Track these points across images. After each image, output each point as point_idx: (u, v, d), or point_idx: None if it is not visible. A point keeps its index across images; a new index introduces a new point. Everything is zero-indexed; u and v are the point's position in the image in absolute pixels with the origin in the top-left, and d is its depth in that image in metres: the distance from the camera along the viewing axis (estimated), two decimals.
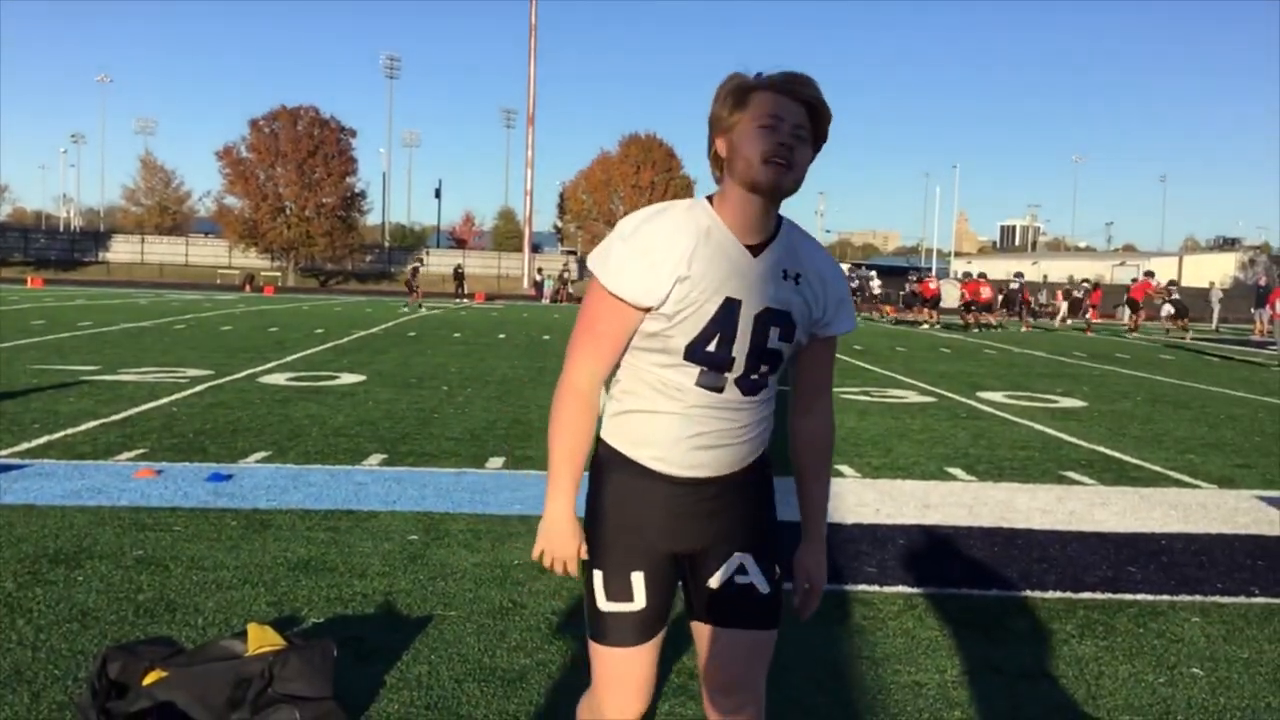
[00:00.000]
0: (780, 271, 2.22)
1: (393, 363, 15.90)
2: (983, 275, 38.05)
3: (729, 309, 2.17)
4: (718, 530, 2.32)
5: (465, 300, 31.25)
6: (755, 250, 2.21)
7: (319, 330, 22.96)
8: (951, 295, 41.94)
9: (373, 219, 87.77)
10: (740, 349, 2.20)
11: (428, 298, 45.48)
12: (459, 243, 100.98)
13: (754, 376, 2.25)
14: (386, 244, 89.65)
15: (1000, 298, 38.24)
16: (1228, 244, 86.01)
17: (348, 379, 13.50)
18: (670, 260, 2.14)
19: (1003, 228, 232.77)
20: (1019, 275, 40.04)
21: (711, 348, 2.19)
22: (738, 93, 2.17)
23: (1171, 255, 79.74)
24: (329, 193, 68.96)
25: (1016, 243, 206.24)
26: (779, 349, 2.25)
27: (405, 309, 35.94)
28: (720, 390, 2.22)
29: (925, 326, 34.96)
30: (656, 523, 2.28)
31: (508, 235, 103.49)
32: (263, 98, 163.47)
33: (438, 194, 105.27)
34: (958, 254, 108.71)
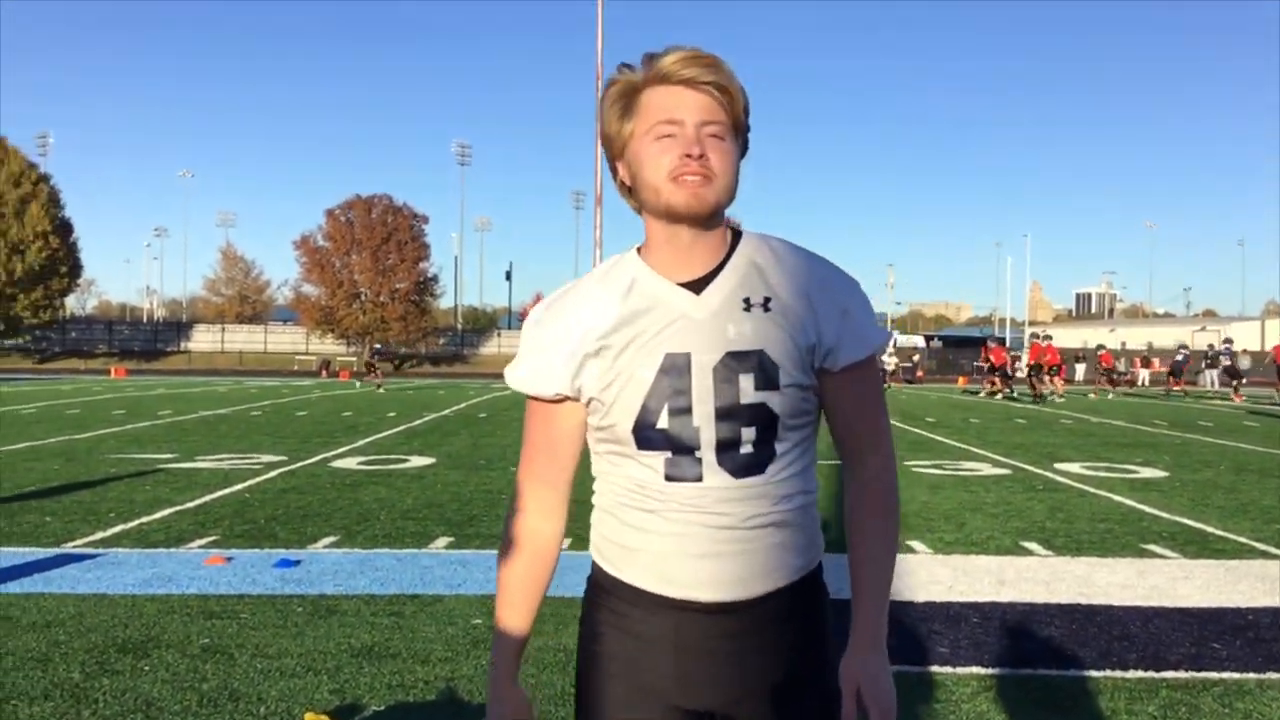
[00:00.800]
0: (738, 301, 1.73)
1: (462, 445, 16.01)
2: (1049, 337, 37.44)
3: (673, 368, 1.69)
4: (746, 681, 1.77)
5: None
6: (697, 286, 1.74)
7: (391, 414, 23.20)
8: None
9: (445, 302, 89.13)
10: (703, 415, 1.69)
11: (500, 380, 45.76)
12: None
13: (743, 450, 1.71)
14: (459, 327, 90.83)
15: (1079, 364, 37.57)
16: None
17: (417, 462, 13.60)
18: (572, 337, 1.74)
19: (1078, 295, 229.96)
20: (1100, 347, 39.41)
21: (662, 423, 1.70)
22: (621, 96, 1.74)
23: (1253, 319, 78.06)
24: (402, 278, 70.13)
25: (1093, 310, 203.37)
26: (762, 402, 1.70)
27: (359, 385, 36.75)
28: (698, 479, 1.71)
29: (997, 396, 34.39)
30: (659, 665, 1.77)
31: None
32: (339, 187, 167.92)
33: (508, 276, 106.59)
34: (1032, 323, 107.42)
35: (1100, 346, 39.83)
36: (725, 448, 1.71)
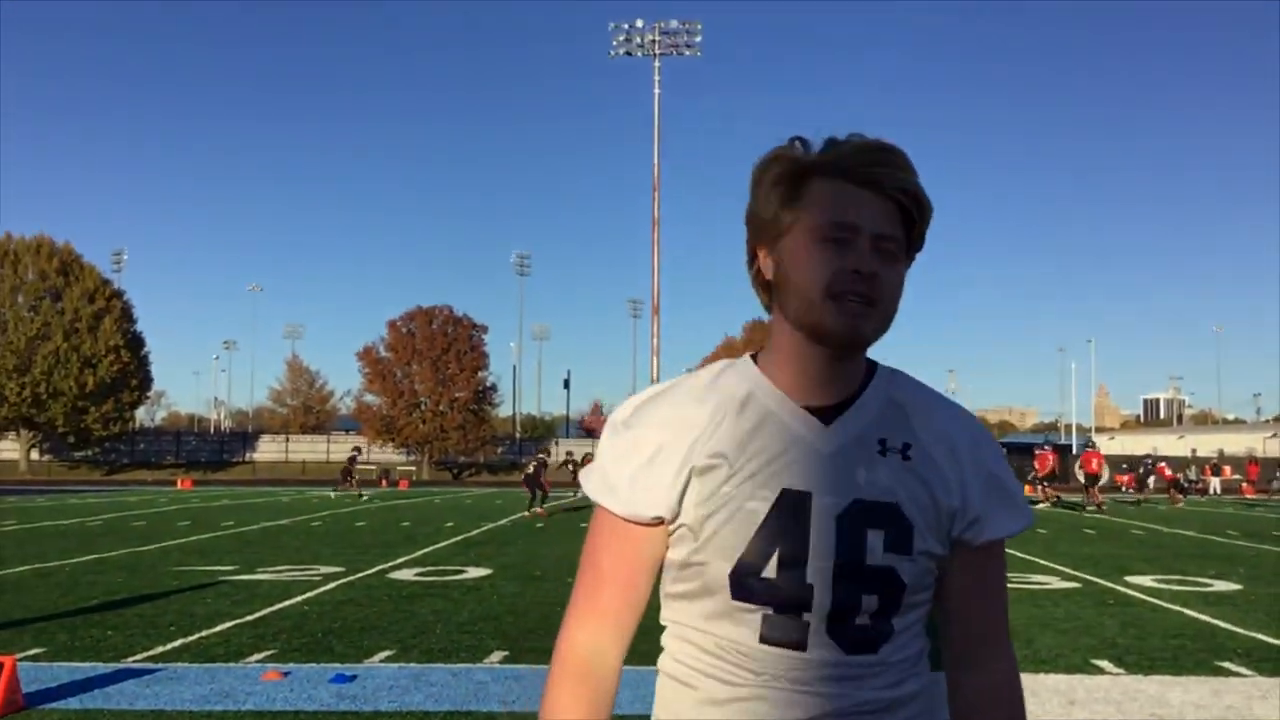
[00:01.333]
0: (872, 442, 1.46)
1: (519, 555, 15.95)
2: (1093, 445, 36.57)
3: (790, 507, 1.40)
4: None
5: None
6: (827, 415, 1.47)
7: (449, 524, 23.22)
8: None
9: (503, 411, 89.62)
10: (818, 572, 1.40)
11: (559, 487, 45.81)
12: (588, 432, 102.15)
13: (859, 620, 1.42)
14: (517, 435, 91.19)
15: (1134, 474, 36.72)
16: None
17: (474, 573, 13.56)
18: (679, 447, 1.45)
19: (1145, 401, 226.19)
20: (1148, 459, 38.57)
21: (770, 572, 1.39)
22: (786, 180, 1.46)
23: None
24: (461, 387, 70.75)
25: (1161, 416, 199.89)
26: (890, 566, 1.42)
27: (334, 493, 36.61)
28: (802, 648, 1.41)
29: (1042, 505, 33.47)
30: None
31: None
32: (402, 299, 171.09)
33: (566, 384, 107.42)
34: (1099, 429, 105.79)
35: (1149, 458, 38.89)
36: (840, 615, 1.41)
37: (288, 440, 79.30)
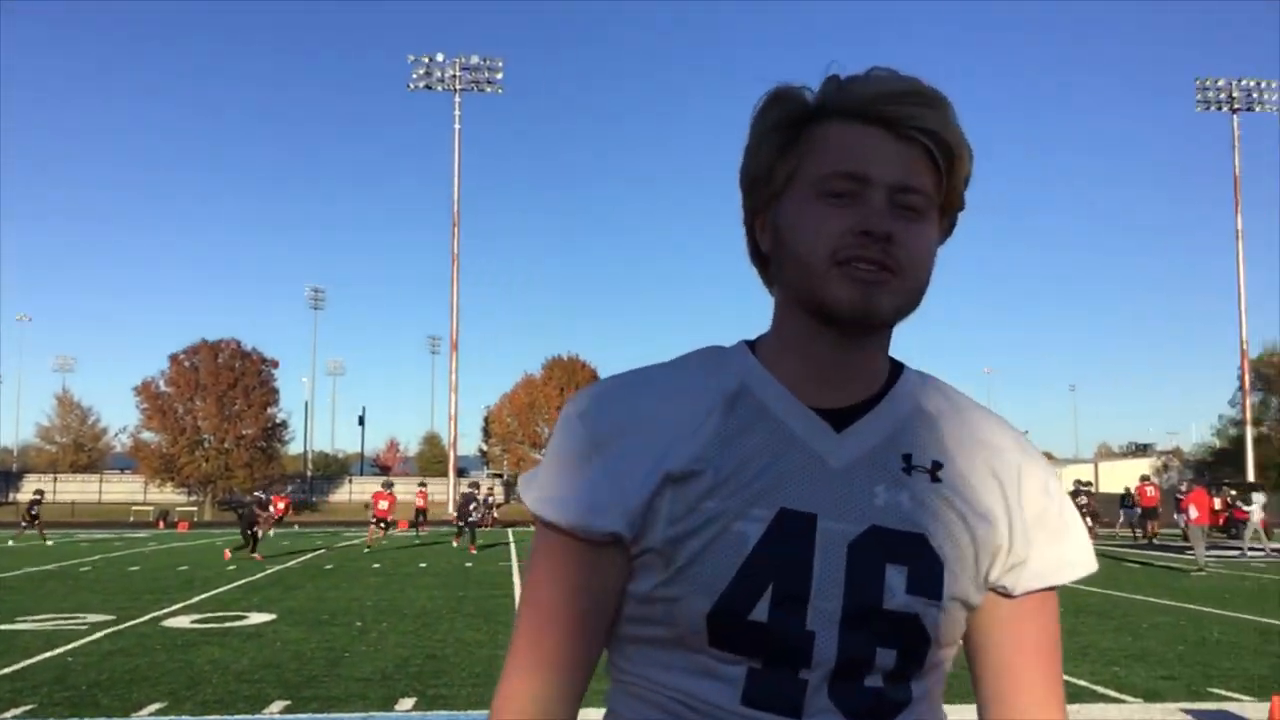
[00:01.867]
0: (894, 456, 1.19)
1: (306, 598, 15.39)
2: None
3: (790, 531, 1.12)
4: None
5: (383, 534, 30.42)
6: (840, 419, 1.19)
7: (231, 567, 22.26)
8: None
9: (295, 448, 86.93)
10: (824, 615, 1.11)
11: (351, 528, 44.60)
12: (383, 469, 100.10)
13: (869, 680, 1.13)
14: (309, 473, 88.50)
15: None
16: (1140, 450, 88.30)
17: (257, 618, 13.01)
18: (650, 446, 1.15)
19: None
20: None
21: (760, 614, 1.11)
22: (785, 124, 1.20)
23: (1087, 462, 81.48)
24: (249, 424, 68.26)
25: None
26: (914, 613, 1.13)
27: (13, 542, 33.47)
28: (797, 714, 1.11)
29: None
30: None
31: (433, 460, 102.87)
32: (185, 331, 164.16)
33: (361, 421, 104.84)
34: None
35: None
36: (847, 672, 1.12)
37: (56, 480, 74.66)
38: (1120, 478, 46.51)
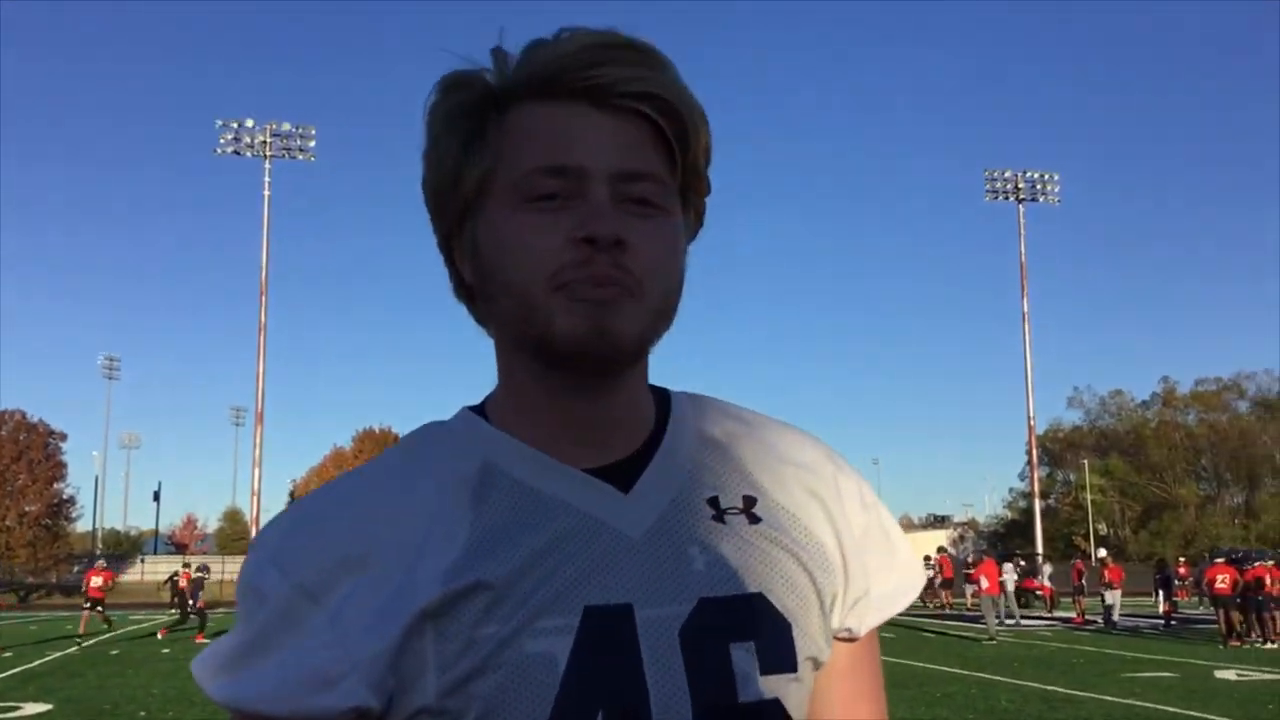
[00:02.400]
0: (698, 504, 0.97)
1: (88, 687, 14.50)
2: None
3: (604, 634, 0.88)
4: None
5: (176, 613, 28.61)
6: (619, 476, 0.96)
7: (7, 654, 20.80)
8: None
9: (83, 525, 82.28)
10: None
11: (142, 610, 42.35)
12: (179, 547, 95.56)
13: None
14: (98, 552, 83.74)
15: None
16: (939, 521, 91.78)
17: (31, 709, 12.21)
18: (386, 579, 0.89)
19: None
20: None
21: None
22: (466, 113, 0.96)
23: None
24: (33, 500, 64.41)
25: None
26: (772, 699, 0.92)
27: None
28: None
29: None
30: None
31: (234, 538, 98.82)
32: None
33: (157, 497, 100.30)
34: None
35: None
36: None
37: None
38: (920, 548, 48.26)
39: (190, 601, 27.01)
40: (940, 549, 38.53)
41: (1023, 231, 55.84)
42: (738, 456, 1.02)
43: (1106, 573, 28.11)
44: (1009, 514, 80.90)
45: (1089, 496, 67.69)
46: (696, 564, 0.93)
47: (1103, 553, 31.28)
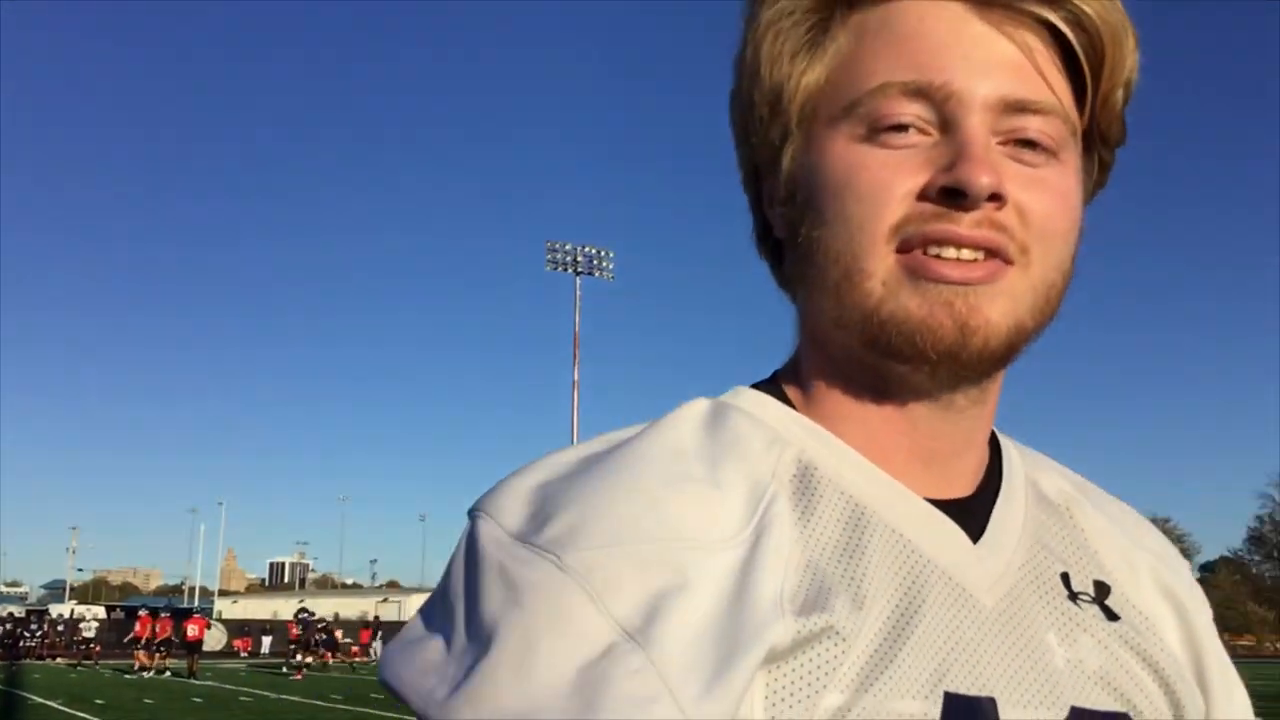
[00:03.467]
0: (1054, 582, 0.75)
1: None
2: (201, 611, 36.61)
3: None
4: None
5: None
6: (964, 515, 0.74)
7: None
8: (217, 638, 40.06)
9: None
10: None
11: None
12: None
13: None
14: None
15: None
16: None
17: None
18: (703, 592, 0.61)
19: (272, 564, 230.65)
20: (305, 611, 39.16)
21: None
22: (807, 11, 0.73)
23: (431, 591, 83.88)
24: None
25: (286, 580, 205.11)
26: None
27: None
28: None
29: (147, 673, 32.09)
30: None
31: None
32: None
33: None
34: (223, 592, 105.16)
35: (301, 613, 39.73)
36: None
37: None
38: None
39: None
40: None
41: (579, 303, 58.39)
42: (1080, 528, 0.81)
43: None
44: None
45: None
46: (1057, 658, 0.71)
47: None
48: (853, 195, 0.69)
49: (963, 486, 0.75)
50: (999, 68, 0.68)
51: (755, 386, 0.78)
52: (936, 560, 0.69)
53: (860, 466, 0.71)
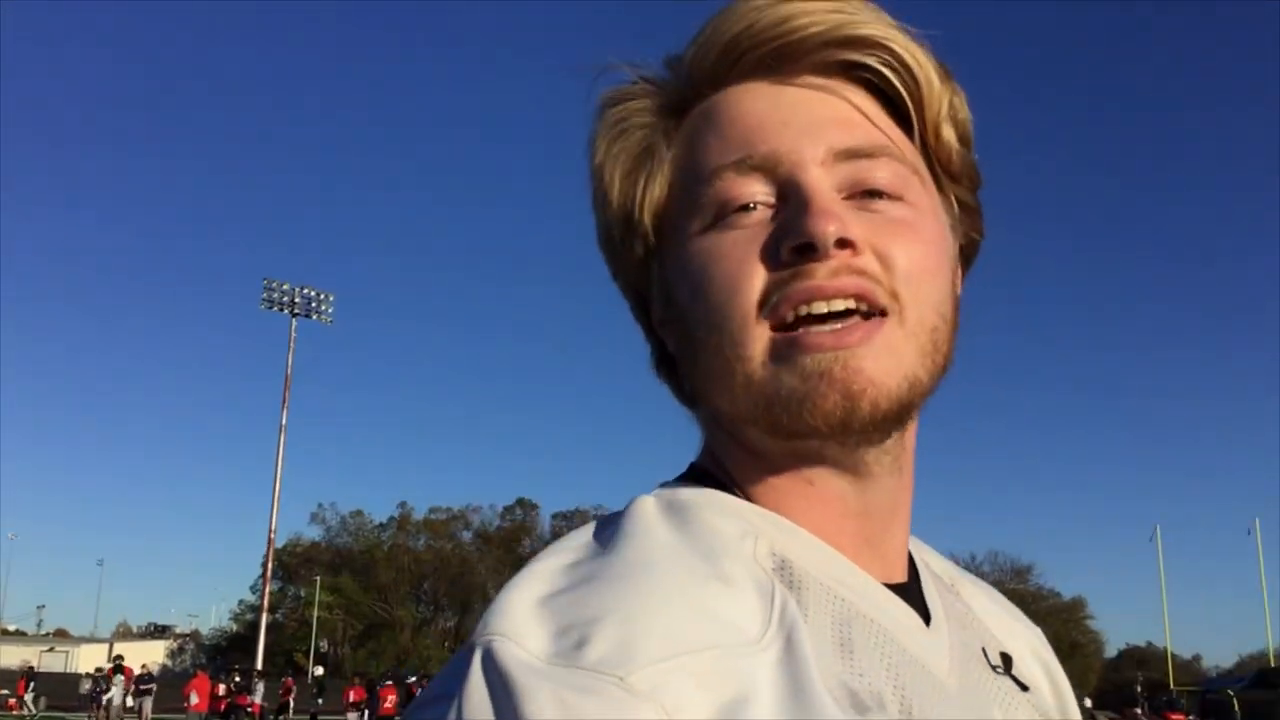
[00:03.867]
0: (980, 658, 0.78)
1: None
2: None
3: None
4: None
5: None
6: (907, 595, 0.76)
7: None
8: None
9: None
10: None
11: None
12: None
13: None
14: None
15: None
16: (160, 631, 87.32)
17: None
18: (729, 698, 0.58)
19: None
20: None
21: None
22: (633, 131, 0.78)
23: (104, 641, 78.26)
24: None
25: None
26: None
27: None
28: None
29: None
30: None
31: None
32: None
33: None
34: None
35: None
36: None
37: None
38: (139, 657, 45.40)
39: None
40: (117, 659, 36.16)
41: (293, 344, 56.56)
42: (969, 605, 0.83)
43: (352, 693, 29.11)
44: (235, 627, 79.17)
45: (316, 613, 68.52)
46: None
47: (320, 670, 32.09)
48: (713, 283, 0.70)
49: (900, 569, 0.76)
50: (821, 124, 0.70)
51: (688, 475, 0.78)
52: (909, 649, 0.70)
53: (829, 556, 0.71)
